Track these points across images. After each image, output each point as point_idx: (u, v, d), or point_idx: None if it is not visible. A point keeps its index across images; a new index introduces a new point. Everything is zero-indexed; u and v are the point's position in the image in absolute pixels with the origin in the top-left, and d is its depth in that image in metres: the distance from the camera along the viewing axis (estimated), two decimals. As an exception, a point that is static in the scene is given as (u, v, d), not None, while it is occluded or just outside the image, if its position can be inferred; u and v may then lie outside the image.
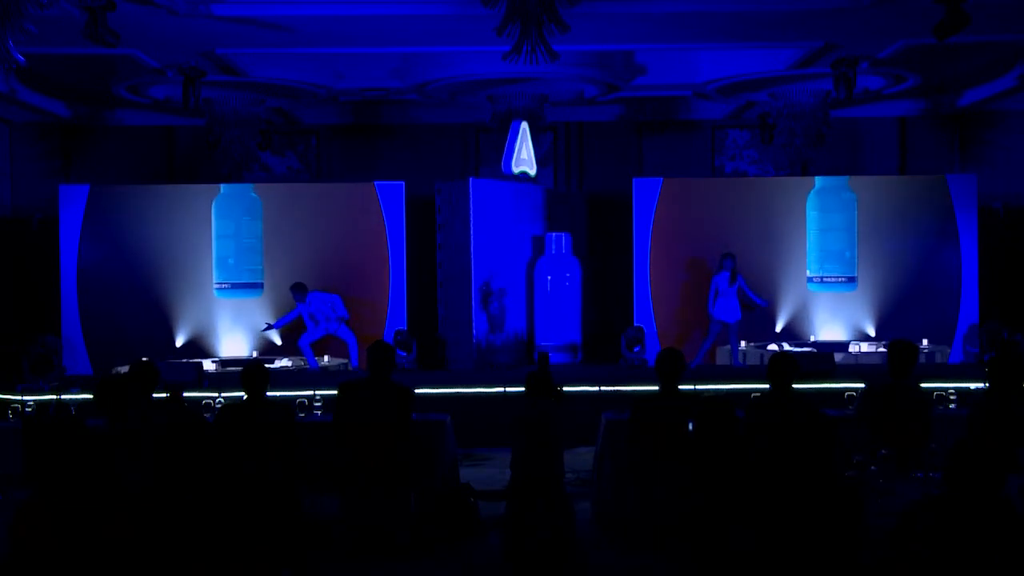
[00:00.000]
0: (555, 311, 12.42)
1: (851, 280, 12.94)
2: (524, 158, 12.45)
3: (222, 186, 12.73)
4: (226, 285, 12.70)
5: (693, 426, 4.63)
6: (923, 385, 6.98)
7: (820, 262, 12.95)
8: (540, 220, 12.83)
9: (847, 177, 12.97)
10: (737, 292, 11.92)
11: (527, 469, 6.22)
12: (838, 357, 10.34)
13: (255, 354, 12.37)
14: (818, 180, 12.97)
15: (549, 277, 12.42)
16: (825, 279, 12.95)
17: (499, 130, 12.64)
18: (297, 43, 10.02)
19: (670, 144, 14.43)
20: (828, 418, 5.75)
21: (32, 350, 10.26)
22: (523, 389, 6.45)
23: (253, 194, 12.78)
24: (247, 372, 6.29)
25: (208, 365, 11.61)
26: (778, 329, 12.93)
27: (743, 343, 12.20)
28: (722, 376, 10.36)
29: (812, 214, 12.99)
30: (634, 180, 13.03)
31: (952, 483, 3.52)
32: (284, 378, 9.93)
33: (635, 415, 6.32)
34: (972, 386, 8.61)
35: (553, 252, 12.41)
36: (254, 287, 12.75)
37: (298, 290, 11.72)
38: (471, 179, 11.84)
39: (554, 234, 12.45)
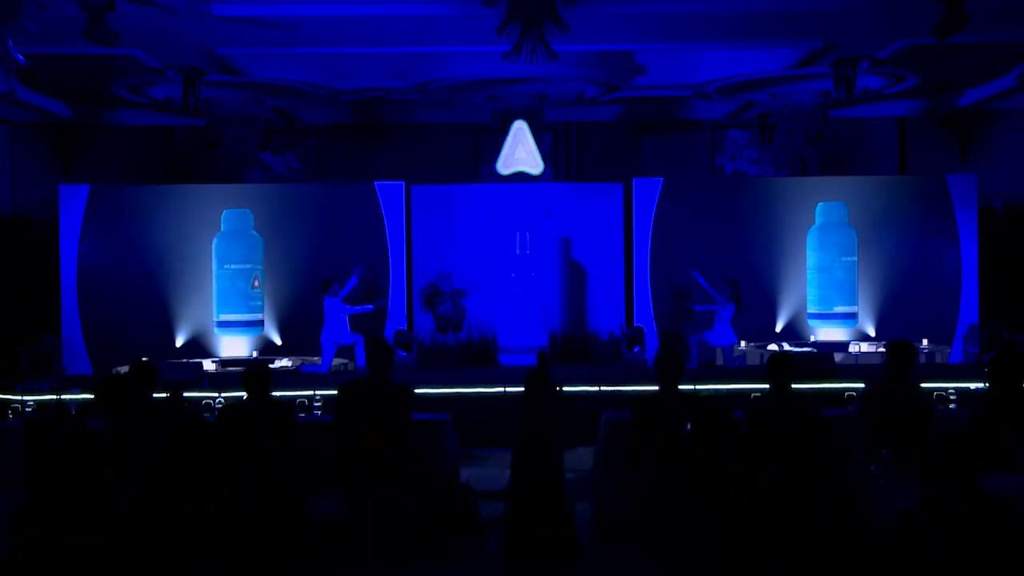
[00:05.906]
0: (520, 313, 12.44)
1: (852, 316, 12.88)
2: (521, 158, 12.44)
3: (223, 221, 12.63)
4: (229, 322, 12.62)
5: (691, 431, 4.63)
6: (923, 385, 6.98)
7: (821, 299, 12.87)
8: (549, 218, 12.79)
9: (847, 211, 12.84)
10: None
11: (527, 469, 6.23)
12: (838, 357, 10.34)
13: (255, 354, 12.37)
14: (818, 216, 12.89)
15: (513, 276, 12.48)
16: (826, 315, 12.87)
17: (499, 130, 12.65)
18: (297, 43, 10.01)
19: (670, 144, 14.41)
20: (825, 418, 5.75)
21: (32, 350, 10.27)
22: (523, 389, 6.47)
23: (254, 232, 12.70)
24: (249, 372, 6.27)
25: (208, 365, 11.61)
26: (778, 329, 12.93)
27: (743, 343, 12.19)
28: (722, 376, 10.36)
29: (812, 251, 12.92)
30: (634, 180, 13.03)
31: (932, 482, 3.51)
32: (284, 378, 9.93)
33: (635, 415, 6.32)
34: (972, 386, 8.60)
35: (517, 253, 12.43)
36: (255, 324, 12.69)
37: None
38: (412, 186, 12.58)
39: (518, 234, 12.48)
